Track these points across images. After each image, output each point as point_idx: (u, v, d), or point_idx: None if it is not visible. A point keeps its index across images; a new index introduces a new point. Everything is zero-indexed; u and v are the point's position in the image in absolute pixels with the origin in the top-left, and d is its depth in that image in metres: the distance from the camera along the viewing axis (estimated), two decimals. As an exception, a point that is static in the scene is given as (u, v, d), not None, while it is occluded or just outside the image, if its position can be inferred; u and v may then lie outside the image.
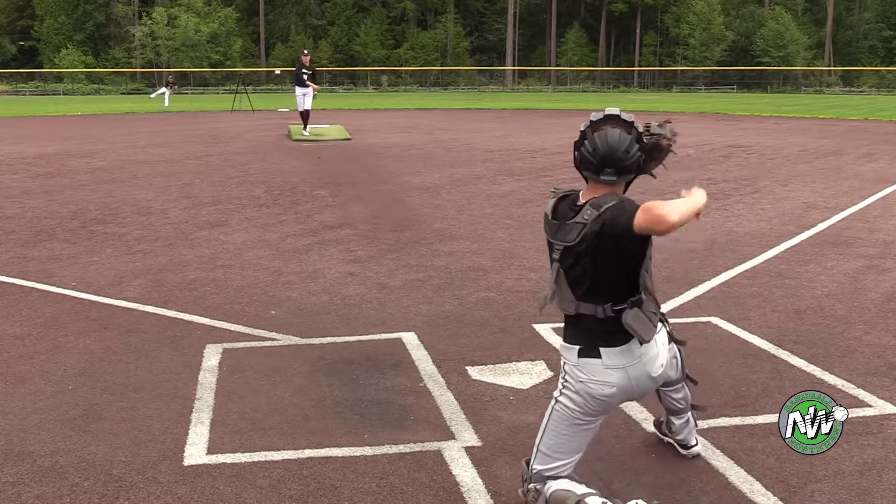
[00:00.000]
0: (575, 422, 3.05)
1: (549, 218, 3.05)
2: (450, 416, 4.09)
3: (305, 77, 20.79)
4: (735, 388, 4.44)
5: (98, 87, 63.28)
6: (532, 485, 3.13)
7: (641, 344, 2.97)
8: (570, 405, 3.04)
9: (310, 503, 3.30)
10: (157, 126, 26.39)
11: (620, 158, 2.90)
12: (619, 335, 2.96)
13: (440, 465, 3.60)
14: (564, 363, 3.10)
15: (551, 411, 3.13)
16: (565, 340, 3.10)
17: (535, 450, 3.15)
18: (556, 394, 3.13)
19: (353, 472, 3.53)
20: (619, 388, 2.99)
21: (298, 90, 20.98)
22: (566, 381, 3.07)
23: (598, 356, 2.97)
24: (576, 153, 3.00)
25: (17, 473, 3.53)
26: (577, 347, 3.01)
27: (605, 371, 2.97)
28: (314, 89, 21.23)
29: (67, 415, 4.11)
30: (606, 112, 2.97)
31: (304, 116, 20.93)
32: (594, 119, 2.97)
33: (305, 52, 23.89)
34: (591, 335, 3.00)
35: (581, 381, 3.01)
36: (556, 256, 3.02)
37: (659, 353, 3.08)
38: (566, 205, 3.03)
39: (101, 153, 17.32)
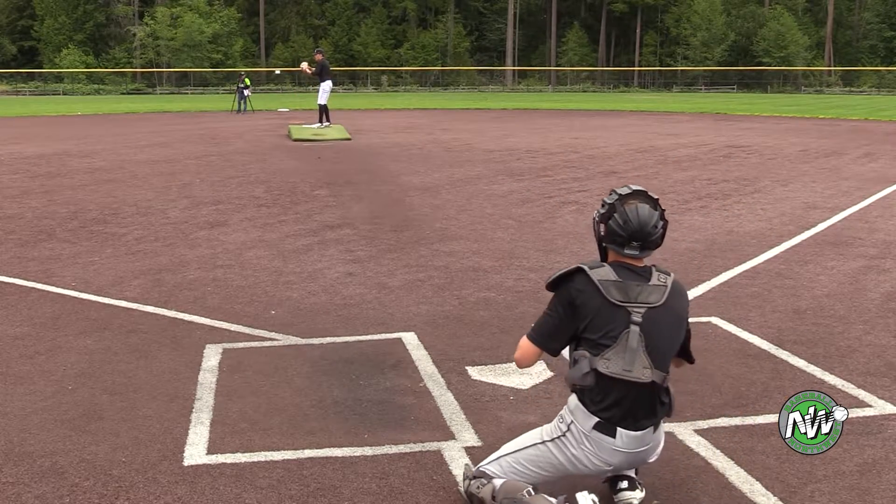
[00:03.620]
0: (549, 469, 3.04)
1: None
2: (450, 416, 4.09)
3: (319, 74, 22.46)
4: (735, 388, 4.44)
5: (98, 88, 63.38)
6: (475, 480, 3.13)
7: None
8: (556, 458, 3.01)
9: (310, 503, 3.30)
10: (157, 126, 26.40)
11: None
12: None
13: (440, 465, 3.59)
14: (572, 423, 2.99)
15: (532, 446, 3.07)
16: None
17: (495, 456, 3.15)
18: (545, 436, 3.05)
19: (353, 472, 3.52)
20: (615, 468, 3.00)
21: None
22: (566, 437, 3.00)
23: (614, 435, 2.91)
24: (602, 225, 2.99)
25: (17, 473, 3.52)
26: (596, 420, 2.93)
27: (613, 451, 2.93)
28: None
29: (67, 415, 4.11)
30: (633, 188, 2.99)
31: (319, 110, 22.38)
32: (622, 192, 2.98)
33: (315, 49, 26.92)
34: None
35: (581, 449, 2.97)
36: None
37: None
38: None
39: (101, 153, 17.32)
